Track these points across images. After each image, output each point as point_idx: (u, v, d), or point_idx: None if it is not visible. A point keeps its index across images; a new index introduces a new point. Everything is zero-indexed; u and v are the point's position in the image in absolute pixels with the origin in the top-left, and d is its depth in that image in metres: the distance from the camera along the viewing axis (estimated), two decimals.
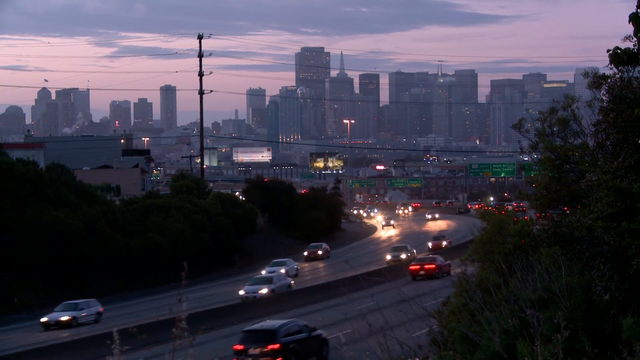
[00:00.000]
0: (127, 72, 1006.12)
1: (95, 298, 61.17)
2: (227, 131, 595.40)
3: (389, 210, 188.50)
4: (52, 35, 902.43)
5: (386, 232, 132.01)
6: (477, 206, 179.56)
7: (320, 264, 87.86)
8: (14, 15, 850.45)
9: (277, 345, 33.31)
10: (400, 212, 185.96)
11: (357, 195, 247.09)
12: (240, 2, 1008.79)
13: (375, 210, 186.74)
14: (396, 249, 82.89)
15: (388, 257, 79.75)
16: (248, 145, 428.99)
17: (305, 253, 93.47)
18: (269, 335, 33.80)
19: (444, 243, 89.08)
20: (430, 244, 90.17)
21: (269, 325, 35.32)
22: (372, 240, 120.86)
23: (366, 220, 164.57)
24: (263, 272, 71.75)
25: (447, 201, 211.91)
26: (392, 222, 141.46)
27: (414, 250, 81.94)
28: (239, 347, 33.83)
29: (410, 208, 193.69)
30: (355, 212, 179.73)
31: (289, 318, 38.23)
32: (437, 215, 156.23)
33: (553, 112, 24.26)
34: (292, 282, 64.30)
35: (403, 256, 78.50)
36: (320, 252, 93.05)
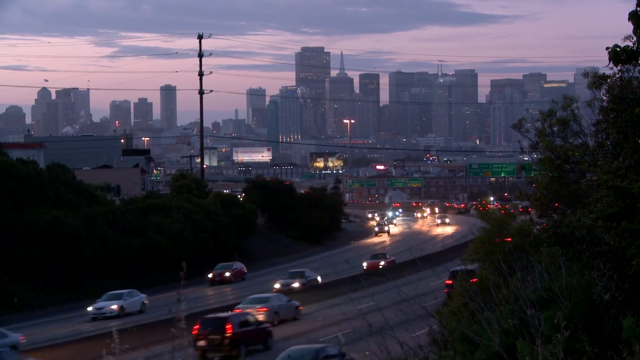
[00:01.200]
0: (127, 72, 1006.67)
1: (95, 298, 61.35)
2: (227, 131, 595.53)
3: (408, 211, 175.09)
4: (53, 35, 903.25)
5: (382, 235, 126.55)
6: (462, 205, 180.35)
7: (228, 289, 72.21)
8: (15, 15, 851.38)
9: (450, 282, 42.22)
10: (419, 215, 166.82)
11: (347, 195, 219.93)
12: (241, 2, 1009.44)
13: (399, 212, 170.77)
14: (291, 274, 68.46)
15: (277, 285, 64.99)
16: (248, 145, 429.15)
17: (210, 275, 75.88)
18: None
19: (382, 263, 75.66)
20: (365, 264, 77.21)
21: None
22: (370, 242, 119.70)
23: (367, 220, 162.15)
24: (90, 308, 58.30)
25: (430, 201, 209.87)
26: (386, 228, 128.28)
27: (318, 277, 68.33)
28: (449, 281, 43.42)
29: (437, 210, 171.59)
30: (370, 215, 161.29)
31: None
32: (447, 220, 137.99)
33: (553, 112, 24.25)
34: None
35: (296, 284, 64.81)
36: (227, 274, 75.88)
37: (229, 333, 40.27)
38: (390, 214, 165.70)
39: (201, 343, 39.77)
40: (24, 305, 66.17)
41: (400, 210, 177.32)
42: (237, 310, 46.33)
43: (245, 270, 79.16)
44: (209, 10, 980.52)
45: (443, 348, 16.77)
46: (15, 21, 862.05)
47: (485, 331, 14.16)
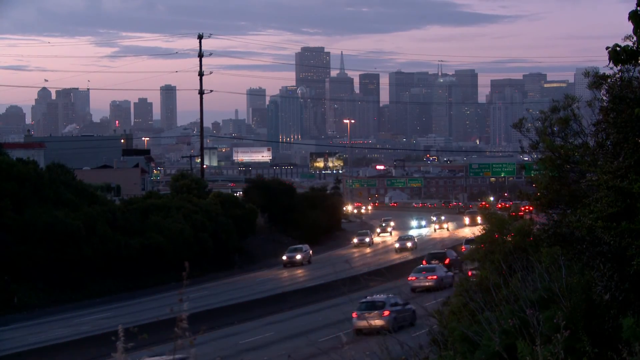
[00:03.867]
0: (127, 72, 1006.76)
1: (95, 298, 61.32)
2: (227, 131, 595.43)
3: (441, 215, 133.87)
4: (53, 35, 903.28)
5: (381, 238, 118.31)
6: (450, 205, 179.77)
7: None
8: (16, 15, 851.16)
9: None
10: (445, 225, 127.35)
11: (347, 194, 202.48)
12: (241, 2, 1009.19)
13: (441, 218, 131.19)
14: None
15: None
16: (248, 145, 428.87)
17: None
18: None
19: None
20: None
21: None
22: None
23: (367, 220, 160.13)
24: None
25: (470, 207, 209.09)
26: (298, 257, 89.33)
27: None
28: None
29: (478, 219, 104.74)
30: (384, 224, 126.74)
31: None
32: (409, 245, 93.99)
33: (553, 111, 24.26)
34: None
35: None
36: None
37: (447, 262, 68.62)
38: (415, 223, 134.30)
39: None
40: (24, 305, 66.10)
41: (441, 216, 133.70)
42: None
43: None
44: (209, 10, 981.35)
45: (443, 348, 16.79)
46: (15, 21, 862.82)
47: (485, 331, 14.17)
